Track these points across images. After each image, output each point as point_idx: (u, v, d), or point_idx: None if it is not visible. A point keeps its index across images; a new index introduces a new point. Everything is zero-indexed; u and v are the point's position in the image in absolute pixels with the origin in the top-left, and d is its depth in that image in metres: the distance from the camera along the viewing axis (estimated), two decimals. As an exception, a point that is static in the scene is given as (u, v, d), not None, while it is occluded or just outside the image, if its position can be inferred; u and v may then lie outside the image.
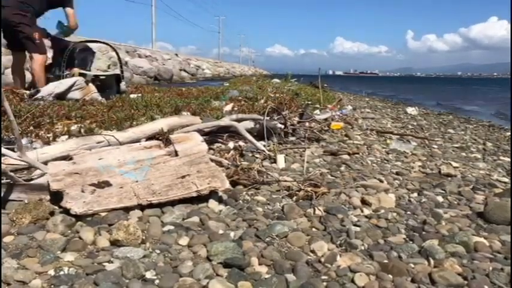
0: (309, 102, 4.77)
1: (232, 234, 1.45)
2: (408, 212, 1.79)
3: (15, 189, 1.60)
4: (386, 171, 2.55)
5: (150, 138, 2.36)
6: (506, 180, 2.54)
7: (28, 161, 1.73)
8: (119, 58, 5.18)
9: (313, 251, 1.35)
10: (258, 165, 2.25)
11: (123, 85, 4.89)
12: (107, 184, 1.61)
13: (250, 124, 2.94)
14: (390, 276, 1.22)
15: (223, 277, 1.16)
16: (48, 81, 4.25)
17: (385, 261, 1.31)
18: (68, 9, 4.53)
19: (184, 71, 20.51)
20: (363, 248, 1.41)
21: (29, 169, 1.88)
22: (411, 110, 7.26)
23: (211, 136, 2.72)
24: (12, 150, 1.76)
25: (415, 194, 2.08)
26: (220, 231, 1.46)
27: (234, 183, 1.93)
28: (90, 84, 4.27)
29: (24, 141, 2.10)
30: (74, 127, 2.62)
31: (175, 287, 1.11)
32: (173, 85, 9.95)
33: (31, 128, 2.46)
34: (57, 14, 4.74)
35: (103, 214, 1.50)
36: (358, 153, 2.94)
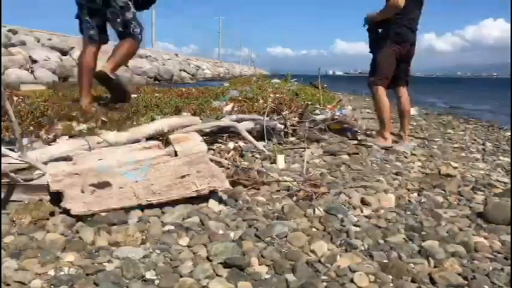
0: (309, 103, 4.77)
1: (232, 234, 1.45)
2: (408, 212, 1.79)
3: (16, 189, 1.60)
4: (386, 171, 2.55)
5: (150, 138, 2.36)
6: (506, 180, 2.54)
7: (28, 161, 1.73)
8: None
9: (313, 251, 1.35)
10: (258, 166, 2.26)
11: None
12: (106, 184, 1.61)
13: (250, 124, 2.94)
14: (390, 276, 1.22)
15: (223, 277, 1.17)
16: None
17: (385, 261, 1.31)
18: None
19: (184, 71, 20.54)
20: (362, 248, 1.41)
21: (29, 169, 1.88)
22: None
23: (211, 136, 2.72)
24: (13, 150, 1.76)
25: (415, 194, 2.08)
26: (220, 231, 1.47)
27: (234, 183, 1.93)
28: None
29: (24, 141, 2.11)
30: (74, 127, 2.62)
31: (175, 287, 1.11)
32: (173, 85, 9.96)
33: (31, 128, 2.46)
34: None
35: (103, 214, 1.51)
36: (357, 154, 2.95)
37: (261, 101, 4.04)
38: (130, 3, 3.32)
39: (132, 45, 3.39)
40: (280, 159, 2.49)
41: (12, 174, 1.63)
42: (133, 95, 4.66)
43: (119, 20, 3.25)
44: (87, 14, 3.28)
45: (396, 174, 2.49)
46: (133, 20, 3.33)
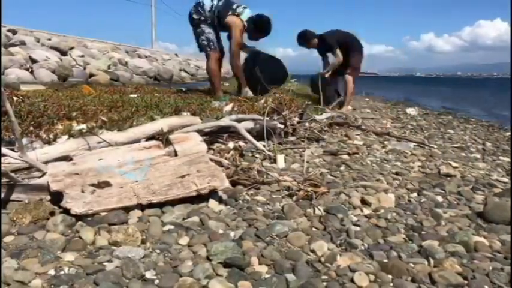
0: (309, 103, 4.77)
1: (232, 234, 1.45)
2: (408, 212, 1.79)
3: (16, 189, 1.60)
4: (386, 171, 2.55)
5: (150, 138, 2.36)
6: (506, 180, 2.54)
7: (28, 161, 1.73)
8: None
9: (313, 251, 1.36)
10: (258, 165, 2.26)
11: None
12: (106, 184, 1.61)
13: (250, 124, 2.94)
14: (390, 276, 1.22)
15: (223, 277, 1.17)
16: None
17: (385, 260, 1.31)
18: None
19: (184, 71, 20.53)
20: (362, 247, 1.41)
21: (29, 169, 1.88)
22: (411, 111, 7.26)
23: (211, 136, 2.72)
24: (13, 150, 1.76)
25: (415, 194, 2.08)
26: (220, 231, 1.47)
27: (234, 183, 1.93)
28: None
29: (24, 141, 2.11)
30: (74, 127, 2.62)
31: (175, 287, 1.11)
32: (173, 85, 9.96)
33: (31, 128, 2.46)
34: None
35: (103, 214, 1.51)
36: (357, 153, 2.95)
37: (261, 101, 4.04)
38: (203, 24, 4.82)
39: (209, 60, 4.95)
40: (280, 159, 2.49)
41: (12, 174, 1.63)
42: (132, 95, 4.67)
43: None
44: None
45: (396, 174, 2.49)
46: (202, 34, 4.84)
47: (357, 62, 5.97)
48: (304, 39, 5.94)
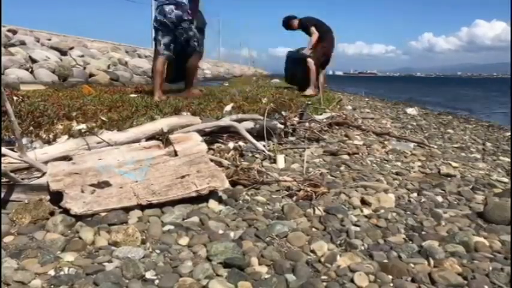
0: (309, 103, 4.77)
1: (232, 234, 1.45)
2: (408, 212, 1.79)
3: (16, 189, 1.60)
4: (386, 171, 2.55)
5: (150, 138, 2.36)
6: (506, 180, 2.54)
7: (28, 161, 1.73)
8: None
9: (313, 251, 1.35)
10: (258, 165, 2.25)
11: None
12: (106, 184, 1.61)
13: (250, 124, 2.94)
14: (390, 276, 1.22)
15: (223, 277, 1.16)
16: None
17: (385, 261, 1.31)
18: None
19: (184, 71, 20.49)
20: (362, 248, 1.41)
21: (29, 169, 1.88)
22: (411, 110, 7.26)
23: (212, 136, 2.72)
24: (13, 150, 1.76)
25: (415, 194, 2.08)
26: (220, 231, 1.47)
27: (234, 183, 1.93)
28: None
29: (24, 141, 2.11)
30: (74, 127, 2.62)
31: (175, 287, 1.11)
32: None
33: (31, 128, 2.46)
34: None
35: (103, 214, 1.51)
36: (357, 153, 2.94)
37: (264, 100, 4.04)
38: (192, 25, 4.97)
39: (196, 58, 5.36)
40: (280, 159, 2.49)
41: (12, 174, 1.63)
42: (132, 95, 4.67)
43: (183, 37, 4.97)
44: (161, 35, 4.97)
45: (396, 174, 2.49)
46: (194, 36, 5.04)
47: (322, 54, 7.06)
48: (288, 22, 7.32)
